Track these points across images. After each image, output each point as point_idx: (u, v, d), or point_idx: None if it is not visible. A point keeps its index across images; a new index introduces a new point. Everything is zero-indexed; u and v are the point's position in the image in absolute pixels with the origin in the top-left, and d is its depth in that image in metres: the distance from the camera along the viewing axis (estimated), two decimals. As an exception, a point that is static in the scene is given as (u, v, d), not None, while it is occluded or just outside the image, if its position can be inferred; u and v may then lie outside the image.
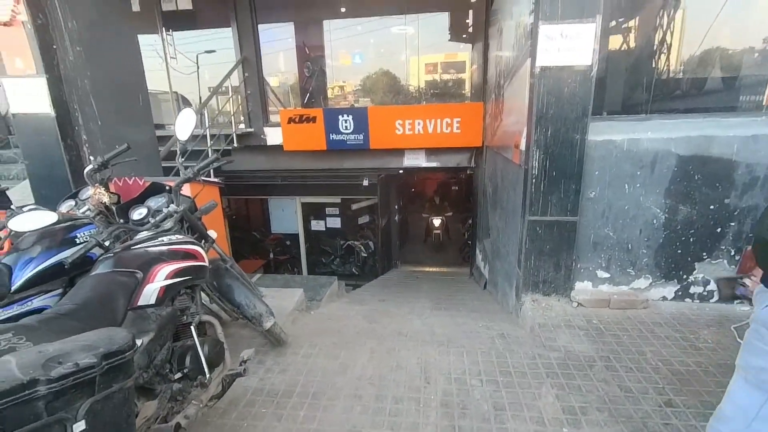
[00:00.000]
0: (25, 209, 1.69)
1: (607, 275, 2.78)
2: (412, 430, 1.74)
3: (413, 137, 5.72)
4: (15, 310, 1.57)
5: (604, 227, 2.70)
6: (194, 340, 1.59)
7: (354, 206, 8.35)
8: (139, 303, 1.42)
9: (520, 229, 2.79)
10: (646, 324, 2.48)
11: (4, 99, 2.57)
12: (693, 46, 3.47)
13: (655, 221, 2.63)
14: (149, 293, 1.45)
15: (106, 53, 3.18)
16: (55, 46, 2.75)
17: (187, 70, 7.79)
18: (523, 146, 2.74)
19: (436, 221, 9.41)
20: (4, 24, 2.56)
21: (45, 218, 1.56)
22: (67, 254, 1.64)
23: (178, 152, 2.03)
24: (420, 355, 2.27)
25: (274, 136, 6.09)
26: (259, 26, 6.09)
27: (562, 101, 2.46)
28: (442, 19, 8.38)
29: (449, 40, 8.02)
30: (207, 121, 4.95)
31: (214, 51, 11.67)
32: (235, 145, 5.78)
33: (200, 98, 7.88)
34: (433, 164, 6.38)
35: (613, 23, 3.91)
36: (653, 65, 3.50)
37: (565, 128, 2.49)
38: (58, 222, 1.63)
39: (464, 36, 8.09)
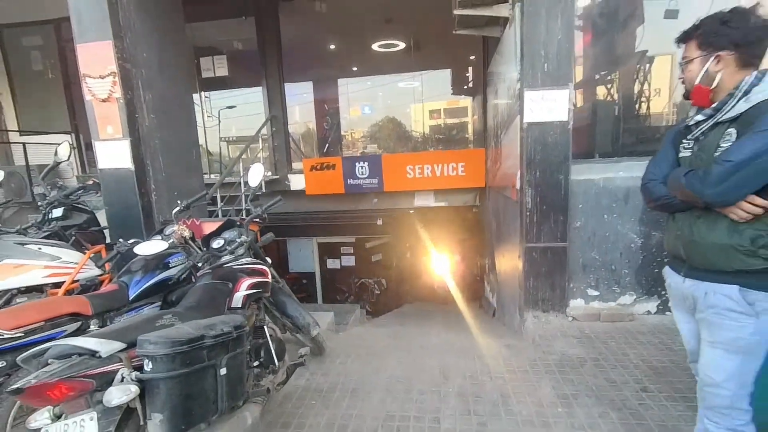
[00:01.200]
0: (150, 239, 2.23)
1: (596, 293, 3.22)
2: (435, 414, 2.16)
3: (422, 180, 6.34)
4: (133, 316, 2.08)
5: (590, 251, 3.18)
6: (266, 337, 2.08)
7: (368, 245, 8.87)
8: (232, 305, 1.93)
9: (519, 255, 3.28)
10: (631, 333, 2.89)
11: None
12: (654, 102, 4.14)
13: (632, 245, 3.11)
14: (238, 299, 1.97)
15: (171, 118, 3.89)
16: (137, 115, 3.44)
17: (208, 123, 8.63)
18: (518, 185, 3.29)
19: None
20: (102, 100, 3.26)
21: (160, 246, 2.10)
22: (174, 272, 2.19)
23: (250, 196, 2.57)
24: (439, 361, 2.71)
25: (297, 182, 6.76)
26: (285, 85, 6.97)
27: (547, 149, 3.04)
28: (445, 74, 9.31)
29: (452, 94, 8.85)
30: (241, 171, 5.63)
31: (234, 107, 12.75)
32: (264, 190, 6.43)
33: (220, 149, 8.72)
34: (442, 204, 6.96)
35: (591, 85, 4.64)
36: (622, 118, 4.13)
37: (550, 170, 3.05)
38: (167, 249, 2.17)
39: (465, 89, 8.95)
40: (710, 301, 1.37)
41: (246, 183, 2.54)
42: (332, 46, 8.29)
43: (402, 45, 7.82)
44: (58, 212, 2.54)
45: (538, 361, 2.61)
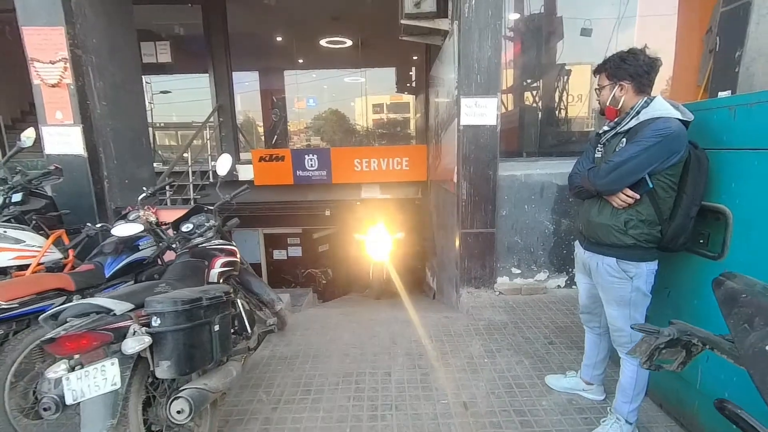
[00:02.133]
0: (117, 224, 2.35)
1: (518, 271, 3.82)
2: (387, 369, 2.56)
3: (369, 173, 6.73)
4: (132, 285, 2.22)
5: (514, 236, 3.77)
6: (239, 308, 2.33)
7: (315, 236, 9.10)
8: (209, 281, 2.17)
9: (456, 240, 3.78)
10: (544, 302, 3.52)
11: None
12: (571, 109, 4.89)
13: (546, 231, 3.75)
14: (214, 275, 2.21)
15: (121, 105, 3.88)
16: (88, 102, 3.43)
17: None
18: (455, 179, 3.78)
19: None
20: (52, 86, 3.22)
21: (135, 228, 2.25)
22: (149, 253, 2.37)
23: (219, 183, 2.75)
24: (388, 330, 3.12)
25: (245, 172, 6.81)
26: (234, 74, 6.97)
27: (479, 148, 3.55)
28: (390, 72, 9.74)
29: (396, 92, 9.31)
30: (190, 160, 5.61)
31: (169, 92, 12.22)
32: (210, 180, 6.43)
33: (153, 135, 8.42)
34: (387, 196, 7.41)
35: (518, 91, 5.32)
36: (539, 124, 4.83)
37: (482, 167, 3.57)
38: (142, 231, 2.32)
39: (408, 87, 9.45)
40: (600, 269, 1.87)
41: (215, 171, 2.72)
42: (279, 39, 8.35)
43: (349, 42, 8.10)
44: (17, 197, 2.55)
45: (470, 327, 3.12)
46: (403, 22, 4.20)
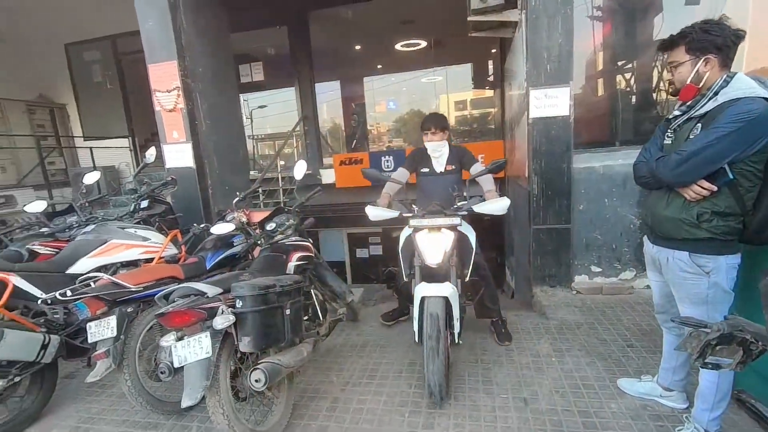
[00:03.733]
0: (216, 224, 2.79)
1: (599, 269, 3.58)
2: (450, 361, 2.63)
3: (445, 171, 6.75)
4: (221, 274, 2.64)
5: (592, 232, 3.54)
6: (313, 298, 2.62)
7: (395, 234, 9.36)
8: (287, 272, 2.47)
9: (528, 236, 3.68)
10: (628, 303, 3.26)
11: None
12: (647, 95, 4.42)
13: (631, 225, 3.46)
14: (291, 267, 2.51)
15: (222, 123, 4.50)
16: (196, 122, 4.06)
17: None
18: (526, 174, 3.68)
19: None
20: (169, 111, 3.89)
21: (229, 227, 2.66)
22: (239, 249, 2.76)
23: (296, 187, 3.10)
24: (454, 325, 3.17)
25: (327, 176, 7.32)
26: (316, 85, 7.53)
27: (550, 140, 3.42)
28: (467, 68, 9.61)
29: (473, 88, 9.16)
30: (279, 167, 6.25)
31: (265, 106, 13.43)
32: (297, 185, 7.03)
33: (254, 146, 9.42)
34: (466, 194, 7.35)
35: (607, 79, 4.93)
36: (621, 110, 4.42)
37: (554, 160, 3.43)
38: (234, 230, 2.73)
39: (487, 81, 9.23)
40: (671, 265, 1.75)
41: (292, 177, 3.07)
42: (358, 47, 8.78)
43: (423, 44, 8.21)
44: (144, 203, 3.17)
45: (540, 325, 3.03)
46: (470, 18, 4.20)
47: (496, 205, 2.31)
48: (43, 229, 3.12)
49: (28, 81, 7.90)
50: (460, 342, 2.30)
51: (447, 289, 2.12)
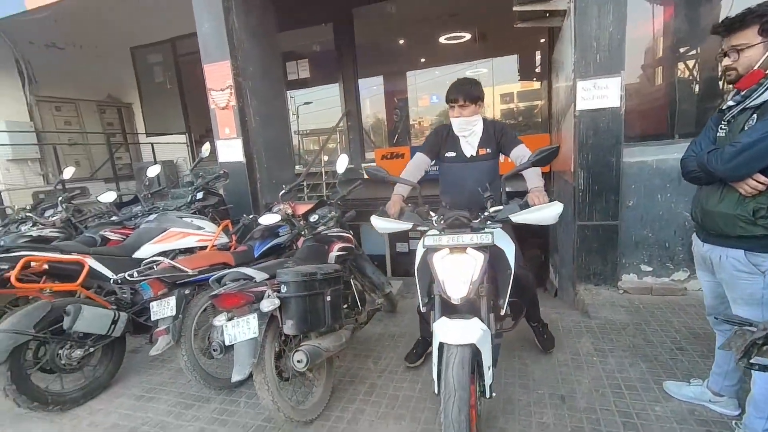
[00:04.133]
0: (263, 215, 2.97)
1: (649, 269, 3.41)
2: (486, 356, 2.64)
3: (487, 166, 6.64)
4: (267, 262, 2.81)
5: (643, 229, 3.38)
6: (352, 288, 2.72)
7: (435, 229, 9.34)
8: (328, 261, 2.58)
9: (572, 233, 3.57)
10: (680, 305, 3.09)
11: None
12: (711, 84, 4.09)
13: (686, 223, 3.25)
14: (332, 257, 2.62)
15: (270, 119, 4.71)
16: (246, 119, 4.29)
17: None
18: (572, 168, 3.57)
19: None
20: (222, 108, 4.14)
21: (275, 218, 2.81)
22: (284, 239, 2.91)
23: (338, 180, 3.21)
24: (492, 320, 3.16)
25: (369, 170, 7.45)
26: (359, 80, 7.66)
27: (598, 133, 3.29)
28: (513, 59, 9.33)
29: (520, 80, 8.89)
30: (323, 161, 6.45)
31: (310, 103, 13.74)
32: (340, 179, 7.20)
33: (299, 142, 9.71)
34: (508, 189, 7.19)
35: (668, 67, 4.63)
36: (681, 100, 4.13)
37: (602, 153, 3.30)
38: (280, 221, 2.89)
39: (533, 73, 8.93)
40: (723, 263, 1.67)
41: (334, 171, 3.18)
42: (401, 42, 8.79)
43: (467, 36, 8.08)
44: (199, 195, 3.43)
45: (582, 324, 2.95)
46: (516, 8, 4.11)
47: (544, 213, 1.66)
48: (113, 218, 3.46)
49: (99, 83, 8.64)
50: (493, 395, 1.66)
51: (474, 332, 1.52)
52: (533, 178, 2.16)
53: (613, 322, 2.91)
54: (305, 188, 6.07)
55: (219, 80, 4.11)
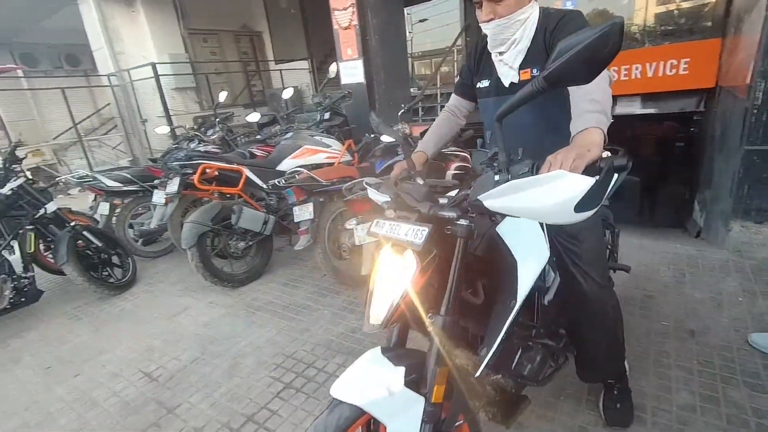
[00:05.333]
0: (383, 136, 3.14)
1: (841, 208, 2.75)
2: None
3: (628, 83, 5.70)
4: None
5: (842, 159, 2.68)
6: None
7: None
8: (445, 179, 2.66)
9: (736, 160, 3.00)
10: None
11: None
12: None
13: None
14: (448, 175, 2.69)
15: (388, 38, 4.67)
16: (367, 38, 4.33)
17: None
18: (747, 79, 2.90)
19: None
20: (344, 28, 4.23)
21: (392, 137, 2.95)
22: (402, 157, 3.05)
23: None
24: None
25: (487, 91, 7.02)
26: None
27: (798, 32, 2.56)
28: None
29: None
30: (438, 83, 6.27)
31: (426, 20, 13.01)
32: (456, 100, 6.98)
33: (411, 66, 9.41)
34: (650, 110, 6.15)
35: None
36: None
37: (799, 58, 2.59)
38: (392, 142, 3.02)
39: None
40: None
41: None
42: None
43: None
44: (326, 115, 3.72)
45: (730, 263, 2.61)
46: None
47: (541, 199, 0.80)
48: (257, 136, 3.99)
49: (235, 12, 9.38)
50: None
51: (376, 392, 0.95)
52: (581, 108, 1.03)
53: (772, 265, 2.51)
54: (420, 110, 6.07)
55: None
